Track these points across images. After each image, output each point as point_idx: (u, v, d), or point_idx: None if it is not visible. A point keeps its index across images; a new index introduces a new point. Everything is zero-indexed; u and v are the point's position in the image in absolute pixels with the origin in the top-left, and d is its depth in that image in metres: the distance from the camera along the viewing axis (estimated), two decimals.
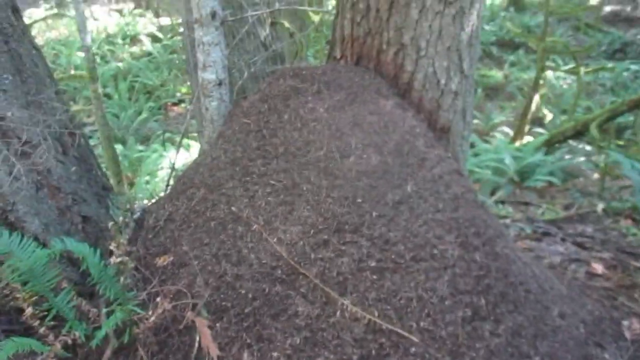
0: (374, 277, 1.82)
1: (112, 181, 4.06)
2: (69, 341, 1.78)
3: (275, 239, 1.89)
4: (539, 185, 4.98)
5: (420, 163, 2.09)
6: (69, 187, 2.10)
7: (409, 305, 1.79)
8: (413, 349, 1.73)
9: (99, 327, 1.83)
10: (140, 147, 8.20)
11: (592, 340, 2.24)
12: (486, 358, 1.78)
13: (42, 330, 1.77)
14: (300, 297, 1.81)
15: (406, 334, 1.73)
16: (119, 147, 8.31)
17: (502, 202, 4.84)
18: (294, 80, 2.22)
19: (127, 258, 1.90)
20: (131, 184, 6.63)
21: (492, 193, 5.27)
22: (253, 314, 1.81)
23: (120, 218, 2.15)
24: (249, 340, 1.78)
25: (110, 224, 1.97)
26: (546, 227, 3.86)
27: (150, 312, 1.81)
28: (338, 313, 1.77)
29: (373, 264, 1.83)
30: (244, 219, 1.98)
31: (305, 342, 1.74)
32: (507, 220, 4.17)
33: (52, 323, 1.80)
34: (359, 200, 1.91)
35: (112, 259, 1.89)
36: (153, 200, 2.52)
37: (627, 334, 2.36)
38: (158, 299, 1.81)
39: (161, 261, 2.09)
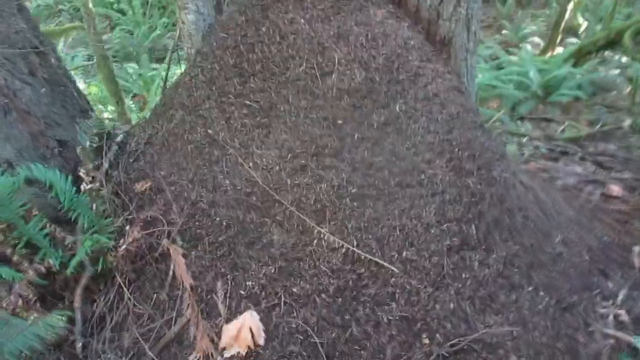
0: (355, 204, 1.69)
1: (111, 101, 3.95)
2: (42, 269, 1.74)
3: (250, 164, 1.77)
4: (564, 100, 4.66)
5: (413, 79, 1.89)
6: (39, 110, 1.99)
7: (392, 235, 1.68)
8: (393, 280, 1.64)
9: (75, 255, 1.79)
10: (155, 65, 8.02)
11: (596, 268, 2.11)
12: (473, 289, 1.68)
13: (15, 258, 1.73)
14: (275, 225, 1.71)
15: (386, 264, 1.63)
16: (133, 66, 8.15)
17: (522, 119, 4.58)
18: None
19: (97, 185, 1.82)
20: (144, 103, 6.54)
21: (514, 109, 4.99)
22: (227, 242, 1.73)
23: (98, 142, 2.05)
24: (223, 269, 1.71)
25: (78, 149, 1.87)
26: (565, 146, 3.64)
27: (121, 241, 1.75)
28: (315, 242, 1.68)
29: (354, 190, 1.70)
30: (219, 142, 1.86)
31: (280, 271, 1.67)
32: (524, 139, 3.95)
33: (24, 251, 1.75)
34: (340, 121, 1.75)
35: (82, 186, 1.81)
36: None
37: (636, 261, 2.21)
38: (127, 227, 1.73)
39: (139, 187, 2.02)
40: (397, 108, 1.81)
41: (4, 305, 1.69)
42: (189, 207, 1.82)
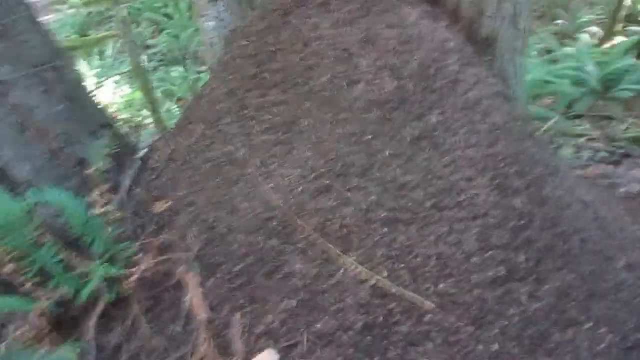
0: (385, 230, 1.51)
1: (146, 111, 3.90)
2: (56, 297, 1.65)
3: (271, 185, 1.62)
4: (626, 95, 4.27)
5: (451, 87, 1.69)
6: (57, 127, 1.91)
7: (427, 264, 1.49)
8: (428, 317, 1.45)
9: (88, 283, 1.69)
10: (201, 69, 8.03)
11: None
12: (522, 327, 1.47)
13: (27, 286, 1.65)
14: (297, 254, 1.55)
15: (420, 299, 1.44)
16: (179, 69, 8.18)
17: (579, 117, 4.23)
18: None
19: (111, 208, 1.72)
20: None
21: (570, 106, 4.64)
22: (246, 271, 1.59)
23: (111, 163, 1.96)
24: (241, 301, 1.57)
25: (91, 170, 1.77)
26: (628, 148, 3.30)
27: (135, 269, 1.64)
28: (340, 273, 1.51)
29: (384, 214, 1.52)
30: (239, 160, 1.72)
31: (302, 305, 1.51)
32: (582, 140, 3.63)
33: (37, 279, 1.67)
34: (369, 136, 1.58)
35: (96, 210, 1.71)
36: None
37: None
38: (140, 255, 1.62)
39: (158, 207, 1.91)
40: (433, 119, 1.62)
41: (17, 336, 1.62)
42: (206, 231, 1.69)
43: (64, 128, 1.94)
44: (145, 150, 2.23)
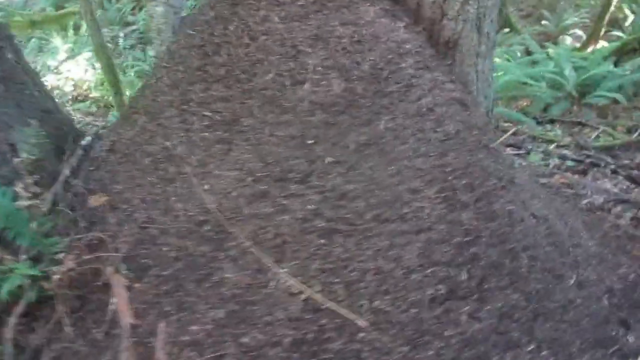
0: (321, 241, 1.43)
1: (110, 94, 3.76)
2: None
3: (206, 186, 1.53)
4: (601, 102, 4.24)
5: (404, 92, 1.61)
6: None
7: (363, 279, 1.42)
8: (361, 335, 1.38)
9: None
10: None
11: (617, 316, 1.79)
12: (458, 349, 1.41)
13: None
14: (228, 261, 1.47)
15: (352, 316, 1.37)
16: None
17: (552, 122, 4.19)
18: None
19: (37, 201, 1.61)
20: None
21: (545, 110, 4.60)
22: (174, 277, 1.50)
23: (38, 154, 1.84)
24: (168, 308, 1.48)
25: (18, 160, 1.66)
26: (596, 156, 3.26)
27: (59, 267, 1.54)
28: (272, 284, 1.42)
29: (321, 224, 1.44)
30: (177, 157, 1.62)
31: (230, 316, 1.43)
32: (552, 146, 3.58)
33: None
34: (310, 141, 1.49)
35: (20, 202, 1.60)
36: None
37: None
38: (62, 255, 1.52)
39: (94, 201, 1.81)
40: (381, 126, 1.53)
41: None
42: (138, 231, 1.59)
43: None
44: (89, 138, 2.12)
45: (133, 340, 1.46)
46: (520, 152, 3.44)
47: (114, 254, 1.59)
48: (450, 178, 1.54)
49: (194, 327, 1.43)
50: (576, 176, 3.09)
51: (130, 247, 1.59)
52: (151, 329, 1.48)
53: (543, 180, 3.00)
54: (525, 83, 4.69)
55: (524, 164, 3.20)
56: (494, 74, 4.57)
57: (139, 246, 1.58)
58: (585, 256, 1.99)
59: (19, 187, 1.60)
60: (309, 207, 1.44)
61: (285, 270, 1.41)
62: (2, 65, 1.86)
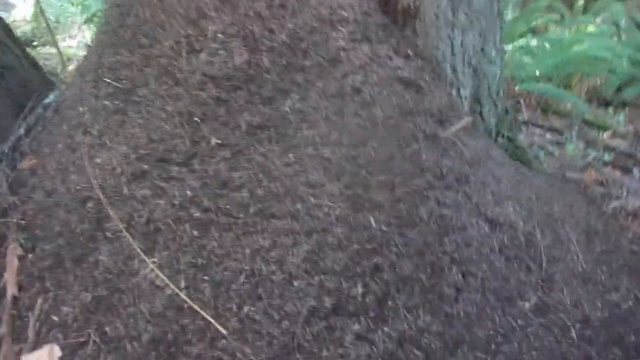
0: (195, 232, 1.28)
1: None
2: None
3: (98, 160, 1.41)
4: None
5: (327, 67, 1.37)
6: None
7: (235, 281, 1.25)
8: (223, 342, 1.23)
9: None
10: None
11: (581, 354, 1.49)
12: None
13: None
14: (106, 243, 1.36)
15: (213, 321, 1.21)
16: None
17: (624, 105, 3.63)
18: None
19: None
20: None
21: (620, 90, 4.00)
22: (56, 252, 1.42)
23: None
24: (48, 284, 1.41)
25: None
26: None
27: None
28: (141, 273, 1.30)
29: (197, 214, 1.28)
30: (83, 125, 1.52)
31: (98, 301, 1.33)
32: (604, 134, 3.09)
33: None
34: (197, 118, 1.31)
35: None
36: None
37: None
38: None
39: (25, 163, 1.77)
40: (286, 106, 1.32)
41: None
42: (42, 199, 1.53)
43: None
44: (52, 97, 2.08)
45: (12, 313, 1.41)
46: (559, 138, 3.00)
47: (18, 221, 1.55)
48: (363, 173, 1.30)
49: (65, 308, 1.35)
50: (617, 173, 2.64)
51: (32, 216, 1.53)
52: (30, 304, 1.42)
53: (572, 175, 2.59)
54: (599, 57, 4.09)
55: (553, 152, 2.79)
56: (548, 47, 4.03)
57: (39, 216, 1.52)
58: (566, 275, 1.67)
59: None
60: (186, 193, 1.28)
61: (154, 260, 1.28)
62: None
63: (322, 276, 1.24)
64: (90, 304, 1.33)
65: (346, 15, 1.43)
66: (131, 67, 1.43)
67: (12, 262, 1.47)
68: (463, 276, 1.39)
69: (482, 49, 1.90)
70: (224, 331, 1.21)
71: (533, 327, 1.46)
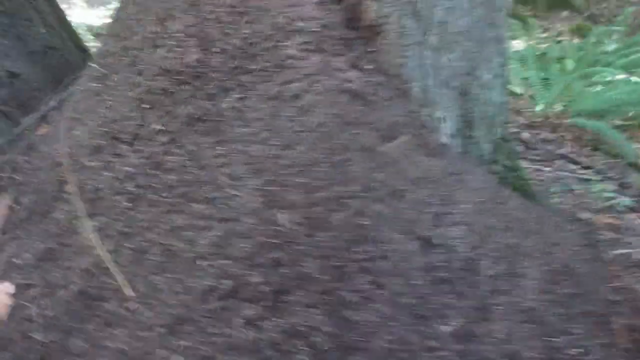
0: (127, 204, 1.45)
1: None
2: None
3: (75, 132, 1.64)
4: None
5: (272, 72, 1.49)
6: None
7: (150, 251, 1.40)
8: (129, 304, 1.38)
9: None
10: None
11: None
12: (215, 350, 1.32)
13: None
14: (63, 204, 1.57)
15: (125, 283, 1.37)
16: None
17: None
18: None
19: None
20: None
21: None
22: (31, 207, 1.66)
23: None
24: (19, 232, 1.66)
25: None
26: None
27: None
28: (81, 233, 1.50)
29: (132, 188, 1.45)
30: (76, 102, 1.75)
31: (47, 252, 1.55)
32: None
33: None
34: (146, 105, 1.48)
35: None
36: None
37: None
38: None
39: (39, 130, 2.06)
40: (224, 104, 1.45)
41: None
42: (35, 160, 1.78)
43: None
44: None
45: None
46: (594, 177, 2.85)
47: (15, 177, 1.81)
48: (283, 173, 1.40)
49: (25, 254, 1.58)
50: (638, 220, 2.48)
51: (25, 174, 1.79)
52: (4, 247, 1.67)
53: (584, 215, 2.48)
54: None
55: (576, 190, 2.66)
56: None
57: (28, 174, 1.77)
58: (507, 309, 1.64)
59: None
60: (127, 169, 1.46)
61: (94, 223, 1.46)
62: (11, 3, 2.18)
63: (225, 260, 1.36)
64: (42, 253, 1.54)
65: (302, 25, 1.53)
66: (114, 56, 1.63)
67: (1, 211, 1.73)
68: (373, 286, 1.44)
69: (470, 73, 1.91)
70: (132, 294, 1.36)
71: (446, 352, 1.47)
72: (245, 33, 1.49)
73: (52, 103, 2.26)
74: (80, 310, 1.42)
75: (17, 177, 1.77)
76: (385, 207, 1.51)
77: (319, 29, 1.55)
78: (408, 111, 1.68)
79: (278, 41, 1.50)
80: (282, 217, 1.37)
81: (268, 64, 1.48)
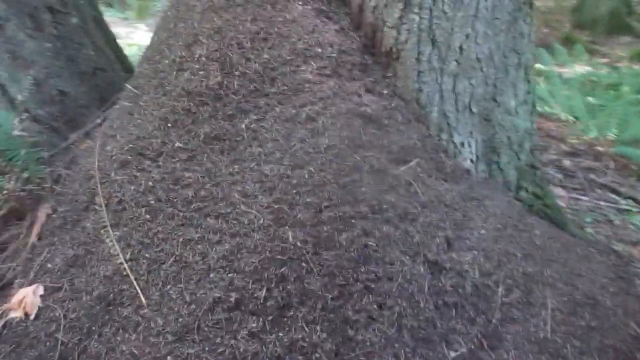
0: (147, 216, 1.54)
1: None
2: None
3: (107, 147, 1.76)
4: None
5: (289, 95, 1.56)
6: (42, 61, 2.32)
7: (165, 262, 1.48)
8: (143, 311, 1.46)
9: None
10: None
11: None
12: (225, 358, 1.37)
13: None
14: (93, 214, 1.68)
15: (140, 291, 1.46)
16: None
17: None
18: None
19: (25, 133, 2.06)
20: None
21: None
22: (65, 215, 1.78)
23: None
24: (54, 239, 1.78)
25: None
26: None
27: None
28: (105, 242, 1.60)
29: (152, 201, 1.54)
30: (111, 120, 1.88)
31: (75, 259, 1.65)
32: None
33: None
34: (169, 124, 1.58)
35: (15, 132, 2.08)
36: None
37: None
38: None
39: (81, 145, 2.21)
40: (243, 124, 1.53)
41: None
42: (73, 172, 1.92)
43: (47, 62, 2.33)
44: None
45: (28, 257, 1.80)
46: (634, 208, 2.75)
47: (55, 187, 1.96)
48: (293, 192, 1.46)
49: (56, 259, 1.70)
50: None
51: (63, 185, 1.92)
52: (40, 252, 1.80)
53: (619, 247, 2.40)
54: None
55: (612, 220, 2.57)
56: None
57: (66, 185, 1.90)
58: (519, 338, 1.63)
59: (15, 120, 2.07)
60: (149, 183, 1.55)
61: (117, 233, 1.56)
62: (65, 28, 2.37)
63: (234, 274, 1.42)
64: (71, 259, 1.65)
65: (320, 51, 1.59)
66: (146, 77, 1.75)
67: (40, 218, 1.87)
68: (378, 306, 1.46)
69: (495, 99, 1.92)
70: (145, 301, 1.44)
71: None
72: (265, 58, 1.57)
73: (97, 120, 2.42)
74: (100, 315, 1.51)
75: (57, 188, 1.91)
76: (394, 228, 1.53)
77: (335, 55, 1.60)
78: (423, 135, 1.70)
79: (296, 66, 1.57)
80: (292, 234, 1.42)
81: (285, 88, 1.55)
